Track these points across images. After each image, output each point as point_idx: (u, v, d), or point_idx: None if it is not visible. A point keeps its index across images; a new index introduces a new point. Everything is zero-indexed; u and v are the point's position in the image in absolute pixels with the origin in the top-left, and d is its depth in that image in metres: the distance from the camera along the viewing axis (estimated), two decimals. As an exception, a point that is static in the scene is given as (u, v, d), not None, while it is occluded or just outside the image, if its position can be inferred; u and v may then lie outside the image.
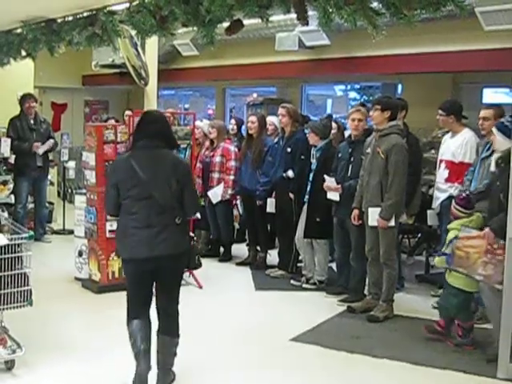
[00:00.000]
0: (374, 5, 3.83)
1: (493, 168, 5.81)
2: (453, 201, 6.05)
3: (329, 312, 6.59)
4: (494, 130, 5.75)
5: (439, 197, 6.95)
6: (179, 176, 4.48)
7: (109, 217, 6.60)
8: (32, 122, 9.56)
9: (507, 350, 5.05)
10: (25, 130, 9.44)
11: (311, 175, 7.43)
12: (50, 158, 10.07)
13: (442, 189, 6.90)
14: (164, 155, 4.54)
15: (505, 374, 5.07)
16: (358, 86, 13.14)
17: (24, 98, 9.58)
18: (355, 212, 6.63)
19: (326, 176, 7.04)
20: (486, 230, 5.28)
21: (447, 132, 7.13)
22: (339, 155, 7.19)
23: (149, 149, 4.50)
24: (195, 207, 4.83)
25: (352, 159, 6.97)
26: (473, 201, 5.92)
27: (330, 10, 3.84)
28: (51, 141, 9.70)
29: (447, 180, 6.84)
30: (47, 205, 10.35)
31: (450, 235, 5.77)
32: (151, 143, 4.50)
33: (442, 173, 6.91)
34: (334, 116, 9.35)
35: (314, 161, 7.46)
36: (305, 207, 7.49)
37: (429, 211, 7.23)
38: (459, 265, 5.41)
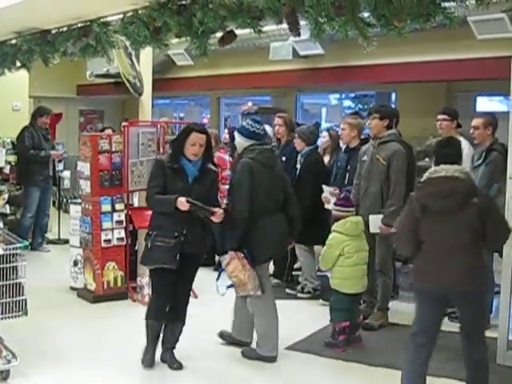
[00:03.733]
0: (366, 15, 3.86)
1: None
2: (334, 206, 6.19)
3: (324, 320, 6.58)
4: (236, 133, 5.78)
5: None
6: None
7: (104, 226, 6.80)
8: (45, 132, 9.73)
9: (505, 338, 5.47)
10: (41, 140, 9.58)
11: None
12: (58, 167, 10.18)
13: None
14: None
15: (502, 360, 5.55)
16: (352, 95, 13.18)
17: (42, 112, 9.72)
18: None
19: (324, 186, 7.08)
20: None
21: (441, 140, 7.16)
22: (338, 164, 7.28)
23: None
24: None
25: (348, 167, 7.03)
26: (352, 201, 6.30)
27: (322, 21, 3.87)
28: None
29: None
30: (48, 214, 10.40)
31: (329, 236, 5.99)
32: None
33: None
34: (329, 125, 9.40)
35: (298, 166, 7.55)
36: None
37: None
38: (242, 290, 5.52)
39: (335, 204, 6.15)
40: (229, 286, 5.72)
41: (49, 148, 9.70)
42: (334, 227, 5.99)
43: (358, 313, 6.11)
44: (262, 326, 5.67)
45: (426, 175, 4.58)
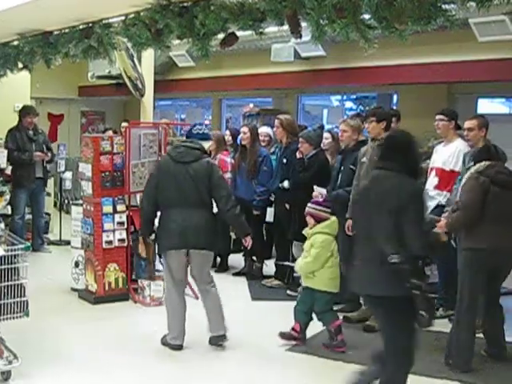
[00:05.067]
0: (366, 17, 3.86)
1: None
2: (310, 205, 6.20)
3: (325, 322, 6.63)
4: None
5: (429, 206, 6.91)
6: None
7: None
8: (31, 132, 9.53)
9: None
10: (25, 141, 9.38)
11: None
12: (48, 168, 10.10)
13: (431, 196, 6.88)
14: None
15: None
16: (354, 97, 13.18)
17: (24, 112, 9.52)
18: (349, 222, 6.62)
19: (315, 186, 7.09)
20: None
21: (442, 142, 7.16)
22: (335, 165, 7.29)
23: None
24: None
25: (342, 168, 7.03)
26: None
27: (323, 24, 3.88)
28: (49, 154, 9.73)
29: (436, 187, 6.82)
30: (44, 215, 10.35)
31: (319, 238, 6.00)
32: None
33: (432, 180, 6.90)
34: (330, 127, 9.37)
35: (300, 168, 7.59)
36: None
37: None
38: None
39: (319, 204, 6.19)
40: None
41: (37, 149, 9.45)
42: (320, 229, 6.02)
43: None
44: (168, 314, 5.90)
45: (482, 165, 5.56)
